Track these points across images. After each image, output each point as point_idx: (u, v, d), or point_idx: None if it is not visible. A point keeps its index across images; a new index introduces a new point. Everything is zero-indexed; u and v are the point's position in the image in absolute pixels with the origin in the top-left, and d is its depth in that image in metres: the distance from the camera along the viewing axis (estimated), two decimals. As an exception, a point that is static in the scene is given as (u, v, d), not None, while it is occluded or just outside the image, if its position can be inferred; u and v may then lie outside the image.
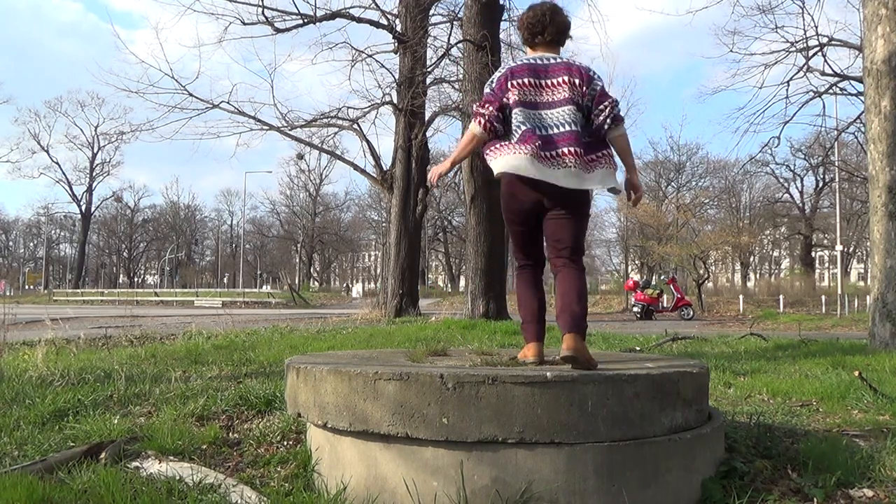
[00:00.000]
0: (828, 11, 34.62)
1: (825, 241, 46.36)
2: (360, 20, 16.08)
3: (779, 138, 22.01)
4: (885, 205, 7.26)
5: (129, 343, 7.81)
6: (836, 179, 31.53)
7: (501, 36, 13.70)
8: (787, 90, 20.18)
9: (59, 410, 3.49)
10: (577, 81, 2.88)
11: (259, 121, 17.07)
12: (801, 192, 46.12)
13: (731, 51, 20.88)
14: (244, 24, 15.50)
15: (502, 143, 2.88)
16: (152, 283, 75.10)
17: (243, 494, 2.36)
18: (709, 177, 47.48)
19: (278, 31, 15.47)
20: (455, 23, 16.44)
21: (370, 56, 16.51)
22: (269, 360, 5.49)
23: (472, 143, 2.97)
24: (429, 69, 16.27)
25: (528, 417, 2.18)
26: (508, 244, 13.08)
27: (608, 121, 2.89)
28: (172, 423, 3.16)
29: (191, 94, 16.25)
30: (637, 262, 45.35)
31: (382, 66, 17.38)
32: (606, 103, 2.90)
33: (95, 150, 58.33)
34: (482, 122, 2.88)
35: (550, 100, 2.88)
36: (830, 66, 21.05)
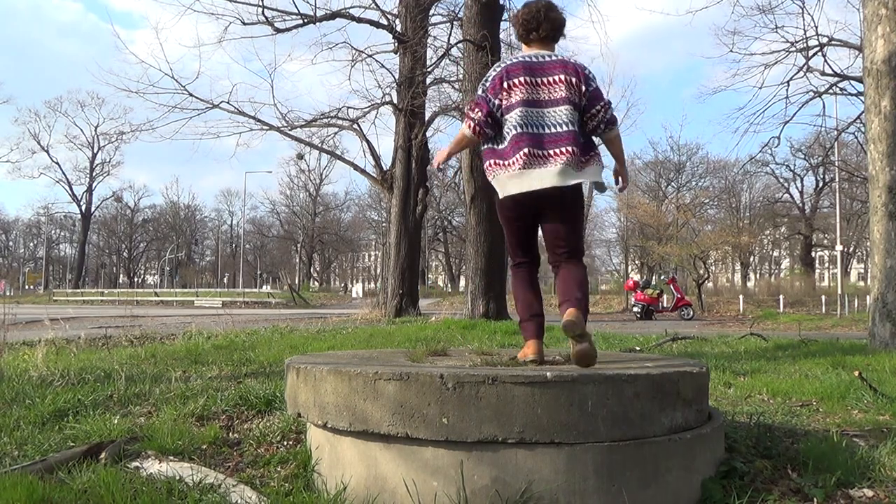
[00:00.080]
0: (828, 11, 34.67)
1: (825, 241, 46.36)
2: (360, 20, 16.08)
3: (779, 138, 22.03)
4: (885, 205, 7.26)
5: (129, 343, 7.81)
6: (836, 179, 31.54)
7: (501, 36, 13.70)
8: (787, 90, 20.22)
9: (59, 410, 3.49)
10: (573, 80, 2.89)
11: (259, 121, 17.09)
12: (801, 192, 46.18)
13: (731, 51, 20.91)
14: (244, 24, 15.52)
15: (497, 161, 2.92)
16: (152, 283, 75.10)
17: (243, 494, 2.36)
18: (709, 177, 47.51)
19: (278, 31, 15.48)
20: (455, 23, 16.44)
21: (370, 56, 16.53)
22: (269, 360, 5.49)
23: (463, 143, 3.09)
24: (429, 69, 16.28)
25: (528, 417, 2.18)
26: (508, 244, 13.07)
27: (602, 126, 2.94)
28: (172, 423, 3.16)
29: (191, 94, 16.28)
30: (637, 262, 45.37)
31: (382, 66, 17.41)
32: (600, 106, 2.92)
33: (95, 150, 58.38)
34: (472, 125, 2.96)
35: (548, 98, 2.89)
36: (830, 66, 21.09)
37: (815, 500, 2.36)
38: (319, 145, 22.12)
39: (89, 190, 59.58)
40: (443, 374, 2.23)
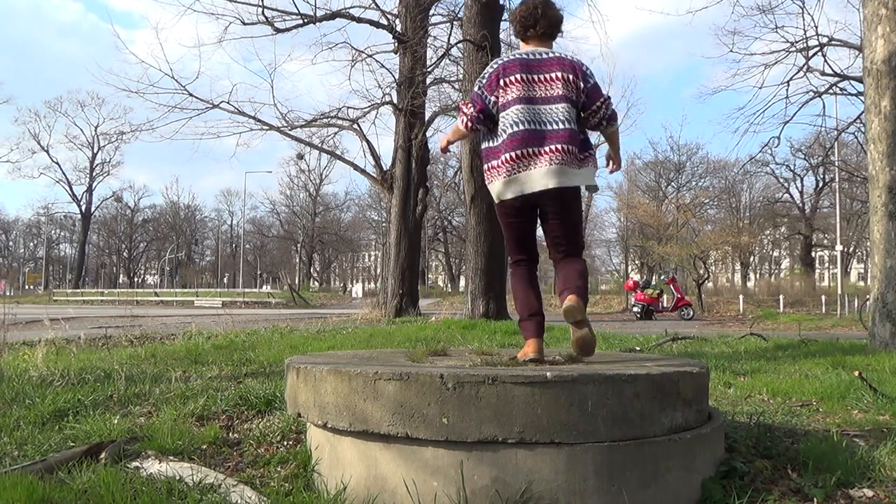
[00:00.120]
0: (828, 11, 34.70)
1: (825, 241, 46.35)
2: (360, 20, 16.09)
3: (779, 138, 22.01)
4: (885, 205, 7.26)
5: (129, 343, 7.81)
6: (836, 179, 31.53)
7: (501, 36, 13.69)
8: (787, 90, 20.21)
9: (59, 410, 3.49)
10: (571, 77, 2.90)
11: (259, 121, 17.10)
12: (801, 192, 46.17)
13: (731, 51, 20.89)
14: (244, 24, 15.52)
15: (493, 164, 2.93)
16: (152, 283, 75.10)
17: (243, 494, 2.36)
18: (709, 177, 47.49)
19: (278, 31, 15.48)
20: (455, 23, 16.45)
21: (370, 56, 16.54)
22: (269, 360, 5.49)
23: (459, 135, 3.15)
24: (429, 69, 16.28)
25: (528, 417, 2.18)
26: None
27: (604, 122, 2.98)
28: (172, 423, 3.16)
29: (191, 94, 16.29)
30: (637, 262, 45.36)
31: (382, 66, 17.42)
32: (600, 103, 2.94)
33: (95, 150, 58.41)
34: (464, 121, 2.99)
35: (545, 95, 2.89)
36: (830, 66, 21.08)
37: (815, 500, 2.36)
38: (319, 145, 22.15)
39: (89, 190, 59.65)
40: (443, 374, 2.23)
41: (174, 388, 3.91)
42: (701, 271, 30.10)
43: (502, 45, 13.74)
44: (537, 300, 3.00)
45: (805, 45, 19.94)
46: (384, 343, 7.54)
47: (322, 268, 71.47)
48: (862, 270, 54.77)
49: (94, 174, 59.36)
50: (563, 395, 2.19)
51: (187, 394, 3.80)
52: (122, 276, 72.73)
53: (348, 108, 17.52)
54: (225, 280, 62.98)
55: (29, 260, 76.06)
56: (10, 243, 78.48)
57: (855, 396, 3.98)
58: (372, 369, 2.35)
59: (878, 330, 7.28)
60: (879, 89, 7.39)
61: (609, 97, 2.98)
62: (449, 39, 16.50)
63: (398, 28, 16.25)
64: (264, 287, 57.66)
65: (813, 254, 48.04)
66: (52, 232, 70.58)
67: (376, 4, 16.47)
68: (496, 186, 2.93)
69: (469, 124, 2.97)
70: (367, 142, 17.58)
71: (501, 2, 13.56)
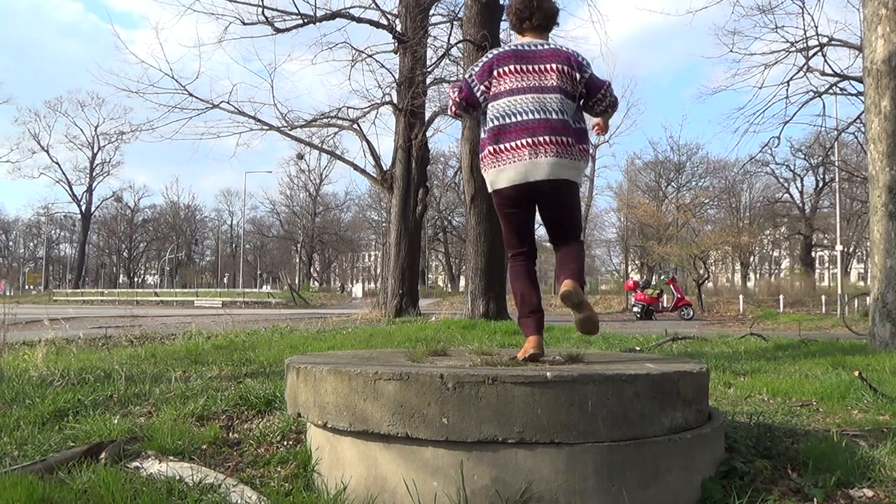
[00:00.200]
0: (828, 11, 34.72)
1: (825, 241, 46.35)
2: (360, 20, 16.09)
3: (779, 138, 21.98)
4: (885, 205, 7.26)
5: (129, 343, 7.81)
6: (836, 179, 31.51)
7: (502, 36, 13.68)
8: (787, 90, 20.18)
9: (59, 410, 3.49)
10: (566, 69, 2.91)
11: (259, 121, 17.10)
12: (801, 192, 46.18)
13: (731, 51, 20.86)
14: (244, 24, 15.52)
15: (486, 153, 2.95)
16: (152, 283, 75.10)
17: (243, 494, 2.36)
18: (709, 177, 47.54)
19: (278, 31, 15.48)
20: (455, 23, 16.45)
21: (370, 56, 16.54)
22: (269, 360, 5.48)
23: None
24: (429, 69, 16.27)
25: (528, 417, 2.17)
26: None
27: (610, 109, 3.04)
28: (172, 423, 3.16)
29: (191, 94, 16.29)
30: (637, 262, 45.37)
31: (382, 66, 17.42)
32: (604, 90, 2.99)
33: (95, 150, 58.44)
34: (450, 105, 3.07)
35: (538, 85, 2.89)
36: (830, 66, 21.06)
37: (815, 500, 2.36)
38: (319, 145, 22.16)
39: (89, 190, 59.67)
40: (443, 374, 2.23)
41: (174, 388, 3.91)
42: (701, 271, 30.10)
43: (502, 44, 13.73)
44: (537, 296, 3.01)
45: (805, 45, 19.94)
46: (384, 343, 7.54)
47: (322, 268, 71.47)
48: (862, 270, 54.75)
49: (94, 174, 59.45)
50: (563, 395, 2.19)
51: (187, 394, 3.79)
52: (122, 276, 72.75)
53: (348, 108, 17.56)
54: (225, 280, 62.98)
55: (29, 260, 76.08)
56: (10, 243, 78.52)
57: (855, 396, 3.98)
58: (372, 369, 2.35)
59: (878, 330, 7.27)
60: (879, 89, 7.39)
61: (609, 83, 3.01)
62: (449, 39, 16.53)
63: (398, 28, 16.25)
64: (264, 287, 57.67)
65: (813, 254, 48.04)
66: (52, 232, 70.61)
67: (376, 4, 16.48)
68: (490, 175, 2.95)
69: (453, 107, 3.04)
70: (367, 142, 17.61)
71: (501, 2, 13.56)
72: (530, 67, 2.91)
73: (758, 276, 56.95)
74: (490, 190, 3.01)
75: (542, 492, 2.17)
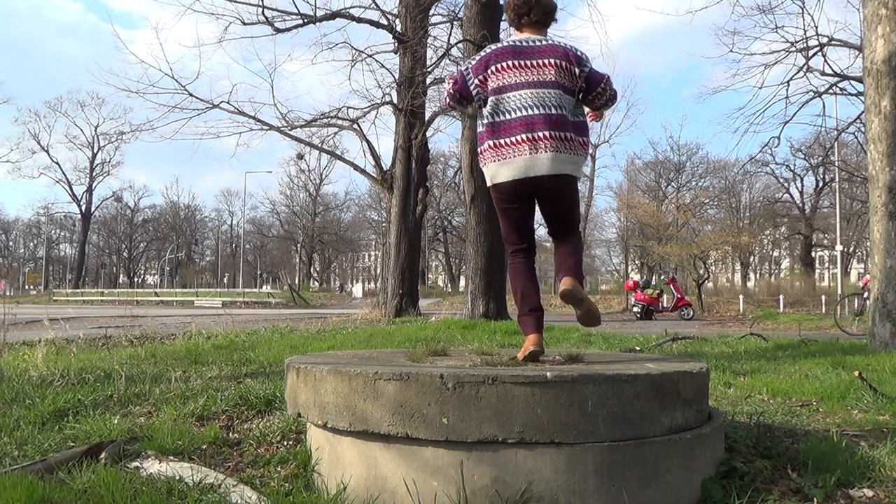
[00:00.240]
0: (828, 11, 34.71)
1: (825, 241, 46.35)
2: (360, 20, 16.09)
3: (779, 138, 21.95)
4: (885, 205, 7.26)
5: (129, 343, 7.81)
6: (836, 179, 31.51)
7: (502, 36, 13.68)
8: (787, 90, 20.16)
9: (59, 410, 3.49)
10: (564, 64, 2.91)
11: (259, 121, 17.09)
12: (801, 192, 46.17)
13: (731, 51, 20.82)
14: (244, 24, 15.52)
15: (486, 147, 2.96)
16: (152, 283, 75.10)
17: (243, 494, 2.36)
18: (709, 177, 47.53)
19: (278, 31, 15.48)
20: (455, 23, 16.43)
21: (370, 56, 16.54)
22: (269, 360, 5.48)
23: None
24: (429, 69, 16.26)
25: (528, 417, 2.17)
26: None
27: (610, 102, 3.05)
28: (172, 423, 3.16)
29: (191, 94, 16.29)
30: (637, 262, 45.34)
31: (382, 66, 17.41)
32: (604, 84, 2.99)
33: (95, 150, 58.44)
34: (444, 97, 3.15)
35: (537, 80, 2.90)
36: (830, 66, 21.04)
37: (815, 500, 2.36)
38: (319, 145, 22.16)
39: (89, 190, 59.67)
40: (443, 374, 2.23)
41: (174, 388, 3.91)
42: (701, 271, 30.09)
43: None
44: (536, 294, 3.01)
45: (805, 45, 19.92)
46: (384, 343, 7.54)
47: (322, 268, 71.47)
48: (862, 270, 54.64)
49: (94, 174, 59.45)
50: (563, 395, 2.19)
51: (187, 394, 3.79)
52: (122, 276, 72.74)
53: (348, 108, 17.54)
54: (225, 280, 62.97)
55: (29, 260, 76.07)
56: (10, 243, 78.52)
57: (855, 396, 3.98)
58: (372, 369, 2.35)
59: (878, 330, 7.27)
60: (879, 89, 7.39)
61: (608, 76, 3.02)
62: (449, 39, 16.50)
63: (398, 28, 16.25)
64: (264, 287, 57.66)
65: (813, 254, 48.04)
66: (52, 232, 70.61)
67: (376, 4, 16.48)
68: (490, 169, 2.96)
69: (446, 98, 3.09)
70: (367, 142, 17.60)
71: (501, 1, 13.57)
72: (528, 63, 2.91)
73: (758, 276, 56.95)
74: (489, 184, 3.00)
75: (542, 492, 2.17)
